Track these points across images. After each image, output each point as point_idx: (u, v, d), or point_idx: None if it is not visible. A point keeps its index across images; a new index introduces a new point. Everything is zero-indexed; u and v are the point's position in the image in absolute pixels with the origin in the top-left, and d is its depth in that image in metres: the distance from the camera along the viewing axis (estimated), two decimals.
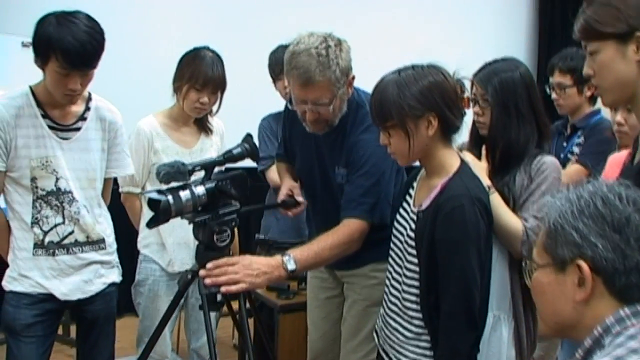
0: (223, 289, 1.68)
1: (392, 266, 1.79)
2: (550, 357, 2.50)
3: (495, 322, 1.82)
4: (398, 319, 1.73)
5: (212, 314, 1.81)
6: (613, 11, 1.37)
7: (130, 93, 2.86)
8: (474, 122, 1.95)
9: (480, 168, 1.85)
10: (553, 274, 1.06)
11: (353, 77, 2.05)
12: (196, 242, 2.40)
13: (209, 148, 2.56)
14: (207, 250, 1.72)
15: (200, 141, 2.55)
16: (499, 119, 1.85)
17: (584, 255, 1.01)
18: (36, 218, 2.03)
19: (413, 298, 1.67)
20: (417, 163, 1.76)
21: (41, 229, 2.04)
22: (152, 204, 1.65)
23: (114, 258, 2.23)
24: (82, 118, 2.10)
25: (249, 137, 1.98)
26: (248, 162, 2.07)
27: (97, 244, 2.14)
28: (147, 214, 2.48)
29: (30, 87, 2.03)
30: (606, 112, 2.90)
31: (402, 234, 1.75)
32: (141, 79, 3.98)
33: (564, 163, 2.65)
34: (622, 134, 2.25)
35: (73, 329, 2.88)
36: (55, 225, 2.05)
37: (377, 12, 5.05)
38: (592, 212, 1.01)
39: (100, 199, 2.18)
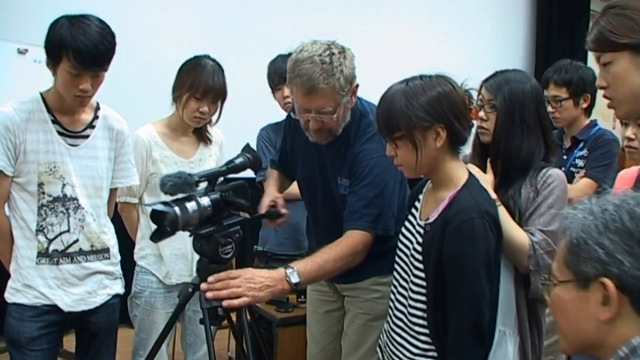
0: (225, 303, 1.63)
1: (397, 280, 1.75)
2: None
3: (500, 337, 1.77)
4: (404, 334, 1.69)
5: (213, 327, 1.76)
6: (628, 22, 1.35)
7: (128, 102, 2.81)
8: (476, 131, 1.93)
9: (485, 181, 1.82)
10: (575, 290, 1.02)
11: (357, 86, 2.02)
12: (194, 253, 2.41)
13: (208, 158, 2.52)
14: (211, 263, 1.66)
15: (199, 151, 2.51)
16: (503, 126, 1.83)
17: (609, 273, 0.97)
18: (41, 226, 2.01)
19: (419, 313, 1.64)
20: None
21: (46, 237, 2.02)
22: (157, 216, 1.60)
23: (118, 269, 2.21)
24: (91, 126, 2.11)
25: (249, 147, 1.95)
26: (245, 172, 2.03)
27: (102, 253, 2.13)
28: (144, 225, 2.46)
29: (41, 93, 2.05)
30: (603, 124, 2.91)
31: (408, 247, 1.71)
32: (139, 88, 3.95)
33: (567, 176, 2.63)
34: (632, 149, 2.23)
35: (66, 340, 2.81)
36: (61, 233, 2.03)
37: (375, 23, 5.07)
38: (618, 227, 0.97)
39: (106, 208, 2.17)
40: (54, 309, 2.03)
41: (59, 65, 1.92)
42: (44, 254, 2.02)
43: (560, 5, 6.26)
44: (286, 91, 2.91)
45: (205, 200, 1.62)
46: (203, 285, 1.65)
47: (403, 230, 1.77)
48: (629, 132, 2.22)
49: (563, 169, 2.78)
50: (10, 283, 2.04)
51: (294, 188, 2.51)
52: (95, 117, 2.13)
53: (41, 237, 2.02)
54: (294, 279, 1.76)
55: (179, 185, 1.57)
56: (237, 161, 1.79)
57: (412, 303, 1.66)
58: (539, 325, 1.87)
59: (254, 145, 2.74)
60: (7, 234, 2.03)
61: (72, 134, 2.06)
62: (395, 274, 1.77)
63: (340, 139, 2.06)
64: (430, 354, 1.63)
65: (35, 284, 2.01)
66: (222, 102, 2.43)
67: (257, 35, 4.50)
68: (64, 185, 2.03)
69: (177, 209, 1.57)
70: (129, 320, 2.53)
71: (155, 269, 2.44)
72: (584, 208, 1.03)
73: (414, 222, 1.72)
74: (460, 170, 1.66)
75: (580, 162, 2.74)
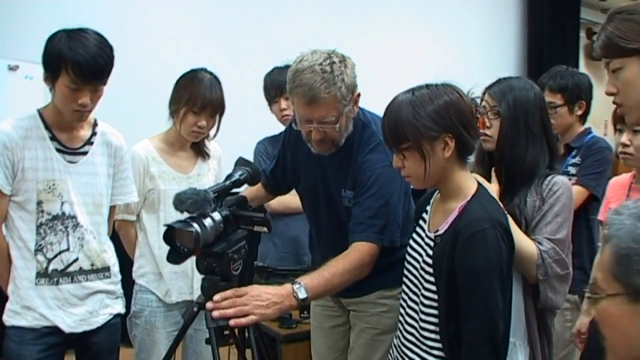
0: (232, 322, 1.58)
1: (407, 294, 1.71)
2: None
3: (510, 349, 1.74)
4: (415, 349, 1.65)
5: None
6: (636, 26, 1.34)
7: (123, 117, 2.78)
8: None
9: (491, 190, 1.79)
10: (625, 304, 0.96)
11: (359, 95, 1.99)
12: (194, 270, 2.36)
13: (207, 173, 2.48)
14: (222, 281, 1.62)
15: (197, 166, 2.47)
16: (507, 134, 1.82)
17: None
18: (40, 245, 1.98)
19: (431, 327, 1.60)
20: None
21: (45, 257, 1.98)
22: (170, 235, 1.55)
23: (119, 288, 2.18)
24: (89, 142, 2.09)
25: (244, 160, 1.92)
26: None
27: (102, 272, 2.09)
28: (142, 243, 2.41)
29: (38, 110, 2.02)
30: (595, 131, 2.90)
31: (417, 260, 1.68)
32: (134, 103, 3.90)
33: None
34: (627, 155, 2.22)
35: None
36: (60, 252, 2.00)
37: (367, 33, 5.07)
38: None
39: (106, 226, 2.13)
40: (54, 330, 1.99)
41: (58, 79, 1.89)
42: (43, 274, 1.98)
43: (551, 13, 6.36)
44: (283, 104, 2.89)
45: (217, 217, 1.58)
46: (209, 305, 1.61)
47: (411, 242, 1.74)
48: (624, 138, 2.21)
49: None
50: (8, 305, 2.00)
51: (294, 201, 2.48)
52: (94, 134, 2.11)
53: (40, 257, 1.98)
54: (302, 294, 1.72)
55: (199, 202, 1.53)
56: (239, 175, 1.76)
57: (423, 317, 1.62)
58: (549, 335, 1.84)
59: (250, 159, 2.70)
60: (5, 255, 1.99)
61: (71, 150, 2.04)
62: (404, 287, 1.73)
63: (343, 150, 2.03)
64: None
65: (34, 305, 1.97)
66: (220, 115, 2.39)
67: (254, 47, 4.48)
68: (62, 203, 1.99)
69: (196, 226, 1.53)
70: (128, 340, 2.47)
71: (154, 287, 2.38)
72: (631, 213, 0.96)
73: (423, 235, 1.69)
74: (469, 180, 1.63)
75: (572, 170, 2.69)
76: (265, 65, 3.05)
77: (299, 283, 1.74)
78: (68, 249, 2.01)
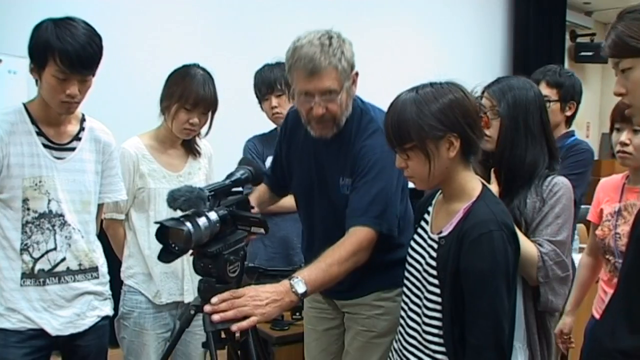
0: (234, 327, 1.53)
1: (408, 297, 1.68)
2: None
3: None
4: (418, 353, 1.62)
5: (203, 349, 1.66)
6: None
7: (112, 113, 2.71)
8: None
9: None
10: None
11: (357, 74, 1.96)
12: (185, 271, 2.31)
13: (197, 171, 2.42)
14: (218, 283, 1.56)
15: (188, 164, 2.40)
16: (507, 134, 1.79)
17: None
18: (26, 244, 1.90)
19: (435, 331, 1.57)
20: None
21: (31, 256, 1.91)
22: (162, 233, 1.49)
23: (107, 289, 2.11)
24: (77, 138, 2.02)
25: (247, 159, 1.88)
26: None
27: (90, 272, 2.02)
28: (131, 242, 2.35)
29: (24, 104, 1.94)
30: (579, 133, 2.90)
31: (419, 262, 1.64)
32: (124, 99, 3.80)
33: None
34: (626, 154, 2.21)
35: None
36: (47, 252, 1.93)
37: (361, 33, 5.03)
38: None
39: (94, 225, 2.06)
40: (40, 333, 1.92)
41: (45, 69, 1.82)
42: (28, 275, 1.91)
43: (538, 15, 6.43)
44: (274, 101, 2.85)
45: (213, 216, 1.53)
46: (207, 308, 1.55)
47: (412, 244, 1.70)
48: (624, 137, 2.20)
49: None
50: None
51: (287, 200, 2.43)
52: (82, 129, 2.04)
53: (26, 257, 1.90)
54: (300, 288, 1.67)
55: (192, 200, 1.47)
56: (240, 174, 1.71)
57: (426, 320, 1.59)
58: (548, 338, 1.82)
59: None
60: None
61: (58, 146, 1.96)
62: (405, 290, 1.70)
63: (341, 136, 1.99)
64: None
65: (19, 307, 1.90)
66: (213, 113, 2.33)
67: (247, 43, 4.42)
68: (49, 200, 1.92)
69: (189, 225, 1.47)
70: (116, 342, 2.40)
71: (144, 288, 2.32)
72: None
73: (425, 236, 1.66)
74: (473, 181, 1.60)
75: None
76: (258, 63, 2.99)
77: (297, 277, 1.69)
78: (55, 249, 1.94)
